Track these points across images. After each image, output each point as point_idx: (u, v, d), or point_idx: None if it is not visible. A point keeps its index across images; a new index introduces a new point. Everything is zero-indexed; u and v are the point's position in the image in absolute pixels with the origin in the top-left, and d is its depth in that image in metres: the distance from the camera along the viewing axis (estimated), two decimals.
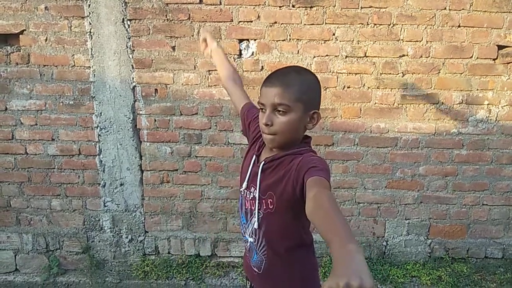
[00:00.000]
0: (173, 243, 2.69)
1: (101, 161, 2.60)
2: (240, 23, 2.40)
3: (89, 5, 2.39)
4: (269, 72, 2.40)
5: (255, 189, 1.24)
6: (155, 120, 2.54)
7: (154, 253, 2.71)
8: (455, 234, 2.68)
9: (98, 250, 2.71)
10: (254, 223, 1.25)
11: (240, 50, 2.45)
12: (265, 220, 1.23)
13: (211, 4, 2.37)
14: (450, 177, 2.60)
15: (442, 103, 2.49)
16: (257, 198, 1.22)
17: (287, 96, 1.11)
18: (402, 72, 2.45)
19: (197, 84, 2.49)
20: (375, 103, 2.50)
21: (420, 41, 2.40)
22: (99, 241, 2.70)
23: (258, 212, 1.23)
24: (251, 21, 2.39)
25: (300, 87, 1.14)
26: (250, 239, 1.30)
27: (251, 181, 1.27)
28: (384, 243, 2.69)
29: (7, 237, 2.69)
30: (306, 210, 0.95)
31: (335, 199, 0.94)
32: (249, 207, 1.28)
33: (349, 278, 0.64)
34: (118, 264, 2.72)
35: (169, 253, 2.71)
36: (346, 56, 2.43)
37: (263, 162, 1.23)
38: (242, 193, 1.32)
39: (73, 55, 2.46)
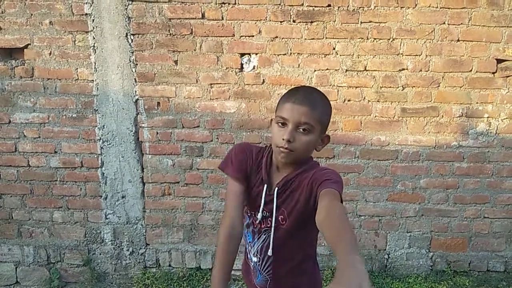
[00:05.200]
0: (174, 256, 2.69)
1: (103, 173, 2.62)
2: (242, 37, 2.43)
3: (93, 20, 2.43)
4: (270, 86, 2.46)
5: (268, 212, 1.23)
6: (157, 133, 2.56)
7: (155, 266, 2.71)
8: (456, 247, 2.67)
9: (99, 263, 2.71)
10: (263, 241, 1.24)
11: (242, 64, 2.47)
12: (275, 236, 1.22)
13: (213, 19, 2.41)
14: (451, 190, 2.60)
15: (442, 116, 2.50)
16: (273, 221, 1.21)
17: (313, 117, 1.13)
18: (402, 86, 2.47)
19: (199, 98, 2.52)
20: (375, 116, 2.52)
21: (420, 55, 2.43)
22: (100, 254, 2.70)
23: (268, 229, 1.23)
24: (253, 36, 2.43)
25: (323, 110, 1.18)
26: (254, 259, 1.29)
27: (264, 206, 1.24)
28: (386, 256, 2.69)
29: (8, 250, 2.69)
30: (317, 218, 0.98)
31: (345, 210, 0.99)
32: (258, 227, 1.26)
33: (349, 285, 0.67)
34: (119, 276, 2.71)
35: (170, 265, 2.70)
36: (346, 70, 2.45)
37: (276, 188, 1.21)
38: (249, 213, 1.29)
39: (77, 68, 2.49)
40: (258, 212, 1.24)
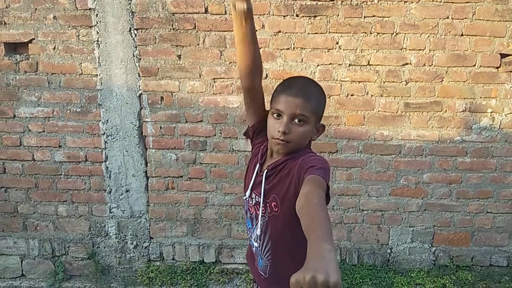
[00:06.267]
0: (178, 250, 2.71)
1: (107, 167, 2.63)
2: None
3: (97, 14, 2.44)
4: (273, 80, 2.46)
5: (258, 195, 1.27)
6: (160, 127, 2.58)
7: (159, 259, 2.73)
8: (459, 241, 2.67)
9: (103, 256, 2.73)
10: (258, 228, 1.27)
11: None
12: (270, 223, 1.26)
13: (216, 14, 2.41)
14: (454, 184, 2.60)
15: (446, 111, 2.50)
16: (261, 202, 1.25)
17: (308, 108, 1.16)
18: (405, 80, 2.47)
19: (202, 92, 2.52)
20: (378, 111, 2.52)
21: (423, 50, 2.42)
22: (105, 247, 2.72)
23: (263, 216, 1.26)
24: (256, 30, 2.42)
25: (318, 101, 1.21)
26: (255, 244, 1.33)
27: (255, 188, 1.29)
28: (388, 251, 2.69)
29: (14, 243, 2.72)
30: (296, 205, 1.01)
31: (324, 199, 0.99)
32: (254, 212, 1.31)
33: (315, 272, 0.67)
34: (123, 270, 2.74)
35: (173, 259, 2.72)
36: (350, 65, 2.45)
37: (266, 170, 1.26)
38: (246, 199, 1.35)
39: (81, 63, 2.51)
40: (248, 190, 1.30)
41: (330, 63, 2.46)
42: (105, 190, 2.66)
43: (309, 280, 0.67)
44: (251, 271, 1.48)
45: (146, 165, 2.64)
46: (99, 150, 2.61)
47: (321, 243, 0.77)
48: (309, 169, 1.10)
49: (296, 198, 1.13)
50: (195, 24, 2.43)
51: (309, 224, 0.88)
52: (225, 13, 2.41)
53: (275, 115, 1.19)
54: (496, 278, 2.62)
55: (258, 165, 1.30)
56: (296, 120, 1.16)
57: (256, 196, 1.28)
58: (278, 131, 1.16)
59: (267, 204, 1.24)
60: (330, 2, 2.37)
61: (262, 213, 1.26)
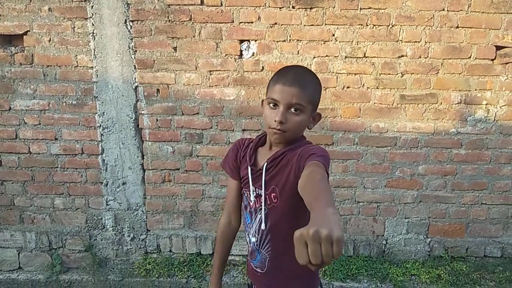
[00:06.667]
0: (175, 242, 2.72)
1: (104, 160, 2.63)
2: (241, 24, 2.43)
3: (92, 6, 2.42)
4: (269, 73, 2.45)
5: (259, 188, 1.26)
6: (157, 120, 2.58)
7: (156, 251, 2.74)
8: (454, 233, 2.70)
9: (100, 249, 2.74)
10: (259, 221, 1.27)
11: (241, 51, 2.48)
12: (270, 215, 1.25)
13: (212, 5, 2.41)
14: (449, 176, 2.62)
15: (441, 103, 2.51)
16: (262, 194, 1.25)
17: (304, 97, 1.15)
18: (401, 73, 2.47)
19: (198, 84, 2.52)
20: (374, 103, 2.52)
21: (419, 42, 2.43)
22: (102, 240, 2.73)
23: (264, 208, 1.25)
24: (252, 22, 2.42)
25: (314, 90, 1.20)
26: (253, 239, 1.31)
27: (255, 183, 1.28)
28: (384, 242, 2.72)
29: (11, 236, 2.72)
30: (299, 185, 1.02)
31: (327, 179, 1.00)
32: (254, 206, 1.30)
33: (319, 227, 0.69)
34: (120, 262, 2.75)
35: (170, 251, 2.74)
36: (346, 57, 2.45)
37: (265, 163, 1.25)
38: (245, 194, 1.33)
39: (76, 55, 2.50)
40: (249, 193, 1.30)
41: (326, 55, 2.46)
42: (102, 183, 2.67)
43: (312, 233, 0.68)
44: (248, 273, 1.46)
45: (143, 158, 2.64)
46: (95, 143, 2.61)
47: (324, 208, 0.79)
48: (310, 156, 1.11)
49: (296, 187, 1.13)
50: (191, 16, 2.42)
51: (312, 197, 0.89)
52: (221, 4, 2.40)
53: (271, 104, 1.18)
54: (490, 269, 2.65)
55: (249, 167, 1.28)
56: (293, 109, 1.16)
57: (257, 189, 1.27)
58: (275, 121, 1.15)
59: (267, 196, 1.24)
60: None
61: (263, 204, 1.25)
